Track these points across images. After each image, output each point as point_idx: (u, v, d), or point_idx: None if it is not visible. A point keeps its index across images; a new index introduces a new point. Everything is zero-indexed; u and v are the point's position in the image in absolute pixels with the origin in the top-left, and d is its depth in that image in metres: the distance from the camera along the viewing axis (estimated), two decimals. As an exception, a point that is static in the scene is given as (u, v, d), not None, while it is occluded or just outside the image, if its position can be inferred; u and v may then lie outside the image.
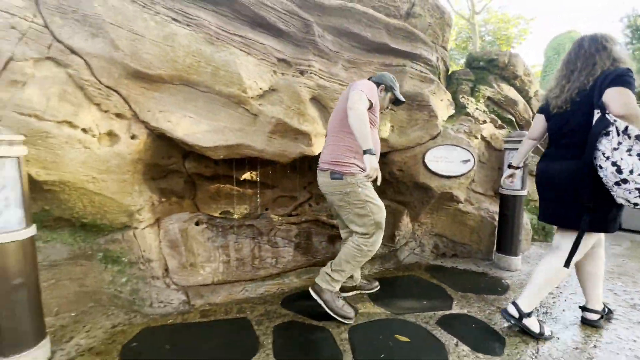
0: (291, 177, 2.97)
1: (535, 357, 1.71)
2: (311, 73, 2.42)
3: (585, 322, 2.01)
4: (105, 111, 1.89)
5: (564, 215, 1.73)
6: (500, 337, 1.89)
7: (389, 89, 2.11)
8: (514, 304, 1.88)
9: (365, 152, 1.69)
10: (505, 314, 1.90)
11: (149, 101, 1.99)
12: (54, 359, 1.65)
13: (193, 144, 2.10)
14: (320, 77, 2.47)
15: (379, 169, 1.86)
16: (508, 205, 2.82)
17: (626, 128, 1.41)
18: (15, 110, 1.59)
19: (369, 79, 2.12)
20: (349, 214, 1.92)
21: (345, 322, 1.95)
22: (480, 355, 1.71)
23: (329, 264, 2.04)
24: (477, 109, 3.20)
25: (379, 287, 2.43)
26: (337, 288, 2.02)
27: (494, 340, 1.86)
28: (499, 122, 3.31)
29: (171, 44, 1.93)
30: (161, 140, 2.14)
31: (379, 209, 1.90)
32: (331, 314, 1.96)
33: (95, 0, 1.73)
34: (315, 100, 2.51)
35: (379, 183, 2.00)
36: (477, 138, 3.06)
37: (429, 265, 3.00)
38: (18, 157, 1.49)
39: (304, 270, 2.61)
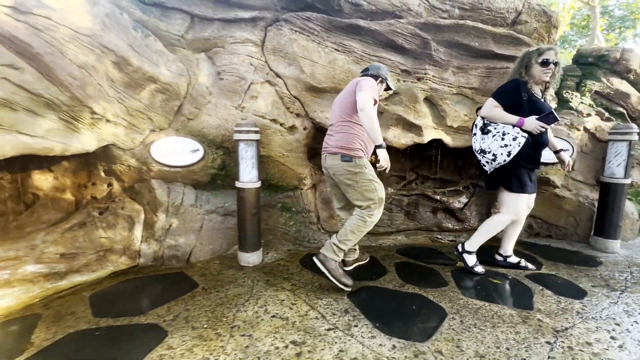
0: (400, 161, 3.73)
1: (614, 304, 2.15)
2: (426, 79, 3.12)
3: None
4: (291, 112, 2.96)
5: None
6: (582, 290, 2.35)
7: (384, 80, 2.33)
8: (462, 243, 2.64)
9: (378, 146, 2.01)
10: (455, 249, 2.68)
11: (314, 104, 3.00)
12: (264, 260, 2.79)
13: (341, 133, 3.03)
14: (433, 82, 3.15)
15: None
16: (609, 191, 3.06)
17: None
18: (253, 113, 2.75)
19: (365, 69, 2.37)
20: (355, 191, 2.15)
21: (345, 289, 2.19)
22: (562, 298, 2.23)
23: (334, 236, 2.22)
24: (581, 102, 3.42)
25: (368, 259, 2.76)
26: (340, 258, 2.21)
27: (576, 290, 2.33)
28: (606, 114, 3.44)
29: (333, 66, 2.88)
30: (317, 130, 3.15)
31: (381, 187, 2.17)
32: (334, 280, 2.15)
33: (294, 43, 2.77)
34: (427, 100, 3.20)
35: (387, 171, 2.14)
36: (579, 130, 3.31)
37: (522, 241, 3.42)
38: (257, 140, 2.61)
39: (412, 232, 3.38)
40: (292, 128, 2.99)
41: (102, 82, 2.22)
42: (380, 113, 3.06)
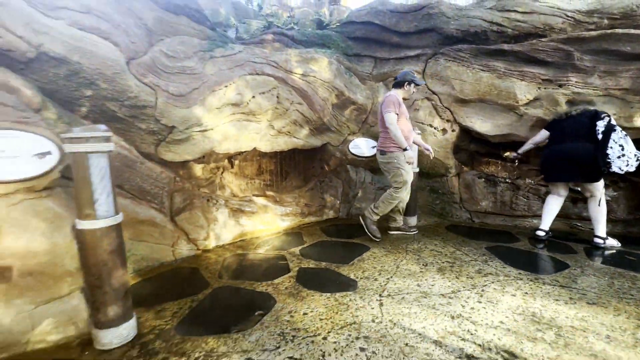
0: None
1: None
2: (568, 85, 3.61)
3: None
4: (443, 118, 4.03)
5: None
6: None
7: (410, 82, 3.21)
8: (598, 237, 3.15)
9: (404, 149, 3.11)
10: (595, 243, 3.16)
11: (461, 112, 3.97)
12: (417, 225, 3.95)
13: (482, 133, 3.91)
14: (576, 87, 3.60)
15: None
16: None
17: None
18: (415, 120, 3.97)
19: (394, 78, 3.37)
20: (389, 174, 3.30)
21: (374, 239, 3.31)
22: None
23: (373, 204, 3.39)
24: None
25: (416, 232, 3.65)
26: (375, 218, 3.35)
27: None
28: None
29: (478, 82, 3.79)
30: (462, 132, 4.09)
31: (406, 173, 3.20)
32: (367, 231, 3.34)
33: (447, 69, 3.85)
34: (569, 102, 3.67)
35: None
36: None
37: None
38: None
39: (548, 218, 3.87)
40: (443, 130, 4.06)
41: (329, 106, 3.89)
42: (520, 116, 3.76)
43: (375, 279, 2.44)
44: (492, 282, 2.38)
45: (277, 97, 3.40)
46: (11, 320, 1.63)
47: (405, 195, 3.35)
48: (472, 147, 4.34)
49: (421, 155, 3.93)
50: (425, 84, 3.92)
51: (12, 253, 1.59)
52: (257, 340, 1.74)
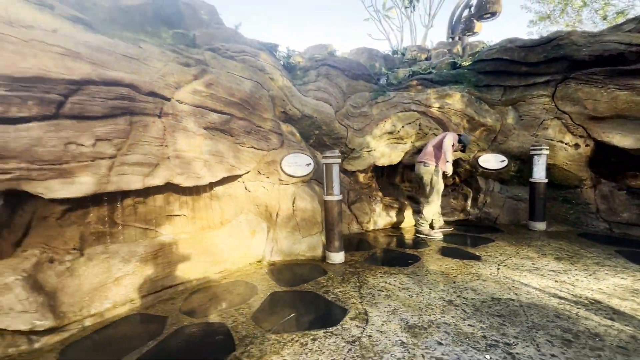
0: None
1: None
2: None
3: None
4: (574, 135, 4.43)
5: None
6: None
7: (463, 145, 4.21)
8: None
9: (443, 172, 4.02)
10: None
11: (596, 128, 4.28)
12: (547, 230, 4.42)
13: (622, 147, 4.11)
14: None
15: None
16: None
17: None
18: (544, 138, 4.53)
19: (459, 134, 4.22)
20: (427, 186, 4.04)
21: (434, 239, 4.04)
22: None
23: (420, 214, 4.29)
24: None
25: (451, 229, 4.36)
26: (426, 224, 4.21)
27: None
28: None
29: (615, 100, 4.08)
30: (598, 146, 4.35)
31: (441, 185, 4.04)
32: (424, 236, 4.16)
33: (578, 91, 4.30)
34: None
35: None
36: None
37: None
38: (546, 154, 4.35)
39: None
40: (575, 145, 4.44)
41: (460, 130, 4.90)
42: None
43: (497, 257, 3.37)
44: (607, 270, 2.94)
45: (419, 125, 4.72)
46: (292, 243, 3.47)
47: (435, 205, 4.35)
48: (612, 159, 4.47)
49: (553, 167, 4.43)
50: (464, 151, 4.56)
51: (298, 209, 3.45)
52: (412, 271, 3.05)
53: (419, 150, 4.70)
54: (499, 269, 3.03)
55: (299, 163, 3.53)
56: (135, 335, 2.06)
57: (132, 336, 2.06)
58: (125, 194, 2.69)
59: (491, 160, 4.98)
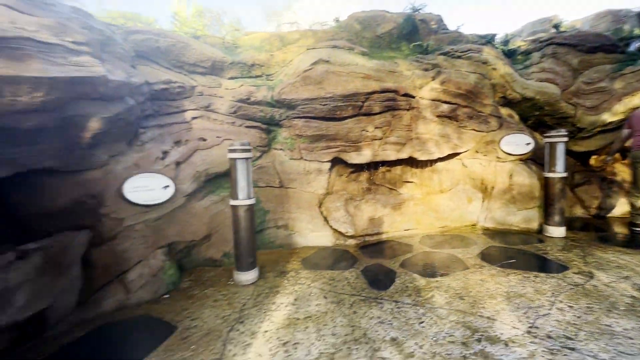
0: None
1: None
2: None
3: None
4: None
5: None
6: None
7: None
8: None
9: None
10: None
11: None
12: None
13: None
14: None
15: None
16: None
17: None
18: None
19: None
20: None
21: None
22: None
23: None
24: None
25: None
26: None
27: None
28: None
29: None
30: None
31: None
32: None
33: None
34: None
35: None
36: None
37: None
38: None
39: None
40: None
41: None
42: None
43: None
44: None
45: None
46: (505, 214, 3.90)
47: None
48: None
49: None
50: None
51: (515, 183, 3.85)
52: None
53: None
54: None
55: (517, 142, 3.87)
56: (397, 250, 3.30)
57: (395, 250, 3.31)
58: (380, 164, 4.05)
59: None
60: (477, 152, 4.09)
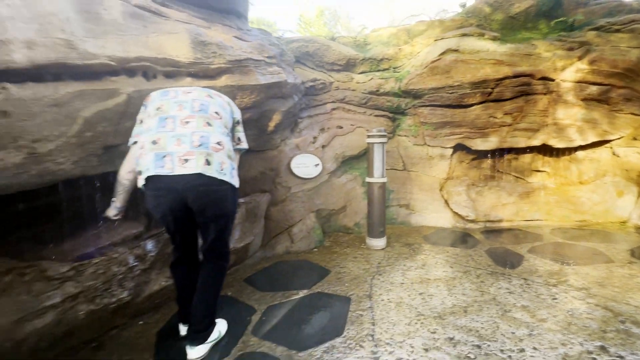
0: None
1: None
2: None
3: None
4: None
5: None
6: None
7: None
8: None
9: None
10: None
11: None
12: None
13: None
14: None
15: None
16: None
17: None
18: None
19: None
20: None
21: None
22: None
23: None
24: None
25: None
26: None
27: None
28: None
29: None
30: None
31: None
32: None
33: None
34: None
35: None
36: None
37: None
38: None
39: None
40: None
41: None
42: None
43: None
44: None
45: None
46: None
47: None
48: None
49: None
50: None
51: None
52: None
53: None
54: None
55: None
56: (524, 237, 3.27)
57: (521, 237, 3.28)
58: (506, 151, 3.94)
59: None
60: (634, 139, 3.57)
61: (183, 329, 1.81)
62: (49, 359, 1.58)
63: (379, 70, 4.11)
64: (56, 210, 1.91)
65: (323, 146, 3.51)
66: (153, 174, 1.46)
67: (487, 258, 2.78)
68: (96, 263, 1.78)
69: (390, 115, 3.97)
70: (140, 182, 1.53)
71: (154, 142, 1.49)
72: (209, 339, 1.67)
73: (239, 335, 1.82)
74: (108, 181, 1.88)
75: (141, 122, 1.63)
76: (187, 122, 1.54)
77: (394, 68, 4.07)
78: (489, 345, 1.66)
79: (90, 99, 1.65)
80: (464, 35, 3.83)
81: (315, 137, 3.47)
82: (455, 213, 3.66)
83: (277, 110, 2.85)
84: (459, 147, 3.92)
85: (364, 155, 3.82)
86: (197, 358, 1.61)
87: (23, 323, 1.47)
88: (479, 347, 1.66)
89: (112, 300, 1.81)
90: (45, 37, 1.43)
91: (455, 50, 3.63)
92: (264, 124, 2.85)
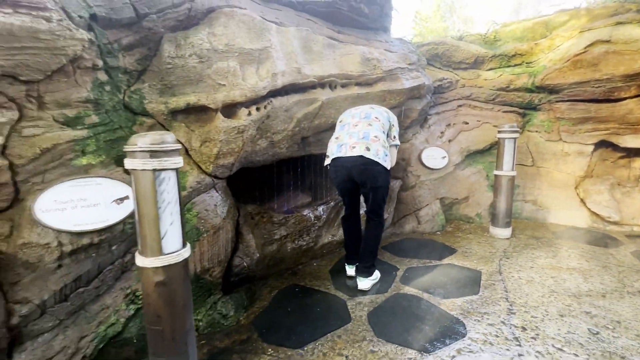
0: None
1: None
2: None
3: None
4: None
5: None
6: None
7: None
8: None
9: None
10: None
11: None
12: None
13: None
14: None
15: None
16: None
17: None
18: None
19: None
20: None
21: None
22: None
23: None
24: None
25: None
26: None
27: None
28: None
29: None
30: None
31: None
32: None
33: None
34: None
35: None
36: None
37: None
38: None
39: None
40: None
41: None
42: None
43: None
44: None
45: None
46: None
47: None
48: None
49: None
50: None
51: None
52: None
53: None
54: None
55: None
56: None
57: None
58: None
59: None
60: None
61: (349, 270, 2.51)
62: (272, 274, 2.49)
63: (509, 67, 4.13)
64: (272, 178, 2.85)
65: (449, 140, 3.83)
66: (335, 156, 2.23)
67: (632, 258, 2.71)
68: (294, 216, 2.62)
69: (520, 111, 3.98)
70: (326, 162, 2.34)
71: (337, 138, 2.30)
72: (372, 277, 2.32)
73: (390, 282, 2.42)
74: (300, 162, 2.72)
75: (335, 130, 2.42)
76: (356, 125, 2.26)
77: (527, 63, 4.04)
78: (630, 322, 1.83)
79: (301, 105, 2.45)
80: (619, 23, 3.54)
81: (442, 132, 3.82)
82: (594, 213, 3.50)
83: (414, 109, 3.34)
84: (601, 144, 3.67)
85: (489, 150, 3.98)
86: (365, 289, 2.27)
87: (265, 246, 2.37)
88: (618, 322, 1.84)
89: (302, 244, 2.63)
90: (289, 67, 2.26)
91: (607, 41, 3.41)
92: (403, 120, 3.37)
